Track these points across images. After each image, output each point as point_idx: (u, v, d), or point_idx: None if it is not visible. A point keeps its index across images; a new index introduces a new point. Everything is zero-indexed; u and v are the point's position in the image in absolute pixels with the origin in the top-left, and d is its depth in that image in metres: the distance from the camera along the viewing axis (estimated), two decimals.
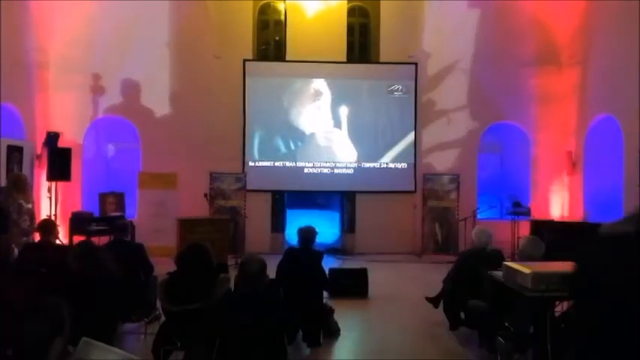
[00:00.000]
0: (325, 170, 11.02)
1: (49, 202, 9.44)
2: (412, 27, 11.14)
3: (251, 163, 10.94)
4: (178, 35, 10.78)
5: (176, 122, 10.84)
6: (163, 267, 5.14)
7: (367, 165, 11.07)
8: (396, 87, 11.16)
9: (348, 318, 5.87)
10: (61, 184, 9.53)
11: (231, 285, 4.14)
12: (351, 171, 11.05)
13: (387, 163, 11.11)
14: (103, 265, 3.96)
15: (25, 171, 8.87)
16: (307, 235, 5.44)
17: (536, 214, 10.33)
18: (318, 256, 5.48)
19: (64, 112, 10.23)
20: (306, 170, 11.00)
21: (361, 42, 11.92)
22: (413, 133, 11.12)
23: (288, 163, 10.99)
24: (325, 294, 5.92)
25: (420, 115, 11.12)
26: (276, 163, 10.98)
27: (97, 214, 9.97)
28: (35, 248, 5.34)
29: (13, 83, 8.75)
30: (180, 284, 4.07)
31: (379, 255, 10.21)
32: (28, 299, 2.08)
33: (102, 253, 4.19)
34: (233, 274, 3.83)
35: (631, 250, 1.71)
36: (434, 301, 5.86)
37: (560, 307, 4.30)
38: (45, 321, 1.99)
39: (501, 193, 11.42)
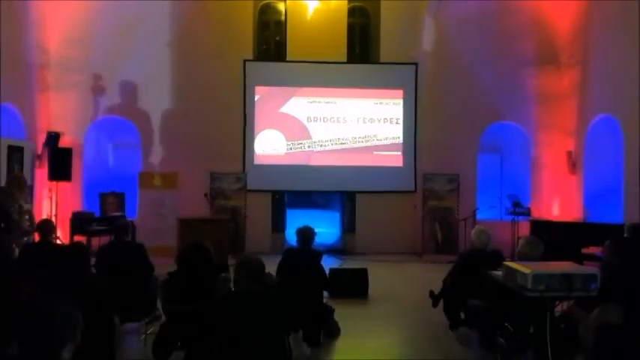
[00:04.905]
0: (326, 170, 11.02)
1: (49, 202, 9.45)
2: (412, 27, 11.14)
3: (251, 163, 10.92)
4: (178, 35, 10.78)
5: (176, 122, 10.85)
6: (163, 267, 5.14)
7: (367, 165, 11.07)
8: (396, 87, 11.17)
9: (348, 318, 5.86)
10: (61, 184, 9.55)
11: (232, 285, 4.15)
12: (351, 171, 11.03)
13: (387, 163, 11.11)
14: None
15: (26, 171, 8.88)
16: (306, 235, 5.45)
17: (536, 214, 10.34)
18: (318, 255, 5.49)
19: (64, 112, 10.25)
20: (306, 170, 11.00)
21: (361, 42, 11.92)
22: (413, 132, 11.12)
23: (288, 163, 10.99)
24: (325, 294, 5.92)
25: (420, 115, 11.12)
26: (277, 163, 10.98)
27: (97, 214, 9.98)
28: (35, 248, 5.35)
29: (14, 83, 8.76)
30: (181, 284, 4.08)
31: (379, 255, 10.20)
32: (39, 301, 2.08)
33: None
34: (233, 274, 3.83)
35: None
36: (434, 300, 5.85)
37: (560, 307, 4.31)
38: (60, 325, 1.99)
39: (501, 193, 11.43)
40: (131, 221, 5.79)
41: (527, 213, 10.00)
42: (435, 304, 5.80)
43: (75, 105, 10.39)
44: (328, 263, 7.03)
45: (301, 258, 5.38)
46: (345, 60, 11.23)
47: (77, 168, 10.08)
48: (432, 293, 5.94)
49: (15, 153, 8.90)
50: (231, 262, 7.93)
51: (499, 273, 4.23)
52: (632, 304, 3.17)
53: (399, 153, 11.16)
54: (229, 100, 10.83)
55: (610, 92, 9.64)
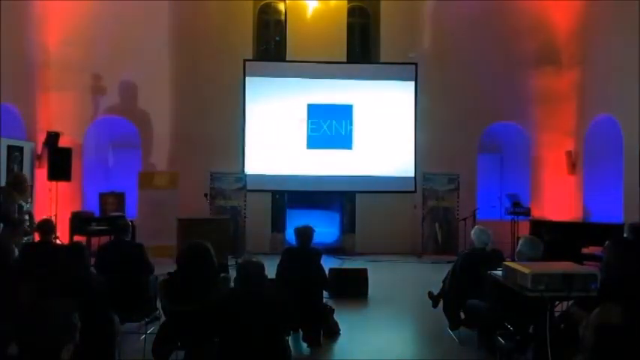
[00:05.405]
0: (325, 170, 11.01)
1: (49, 202, 9.45)
2: (412, 27, 11.14)
3: (251, 163, 10.91)
4: (178, 35, 10.79)
5: (176, 122, 10.85)
6: (163, 267, 5.14)
7: (367, 165, 11.06)
8: (396, 87, 11.16)
9: (348, 318, 5.87)
10: (61, 184, 9.55)
11: (232, 285, 4.14)
12: (351, 171, 11.03)
13: (386, 163, 11.10)
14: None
15: (26, 171, 8.89)
16: (304, 234, 5.44)
17: (536, 214, 10.34)
18: (317, 254, 5.48)
19: (64, 112, 10.25)
20: (306, 170, 10.98)
21: (361, 42, 11.92)
22: (413, 132, 11.12)
23: (287, 163, 10.97)
24: (325, 294, 5.92)
25: (419, 115, 11.12)
26: (276, 163, 10.96)
27: (97, 214, 9.99)
28: (35, 248, 5.34)
29: (13, 83, 8.76)
30: (181, 284, 4.07)
31: (379, 255, 10.21)
32: (38, 302, 2.08)
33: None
34: (233, 274, 3.83)
35: None
36: (434, 300, 5.86)
37: (560, 307, 4.31)
38: (57, 326, 1.99)
39: (501, 193, 11.43)
40: (131, 221, 5.76)
41: (527, 213, 10.00)
42: (435, 305, 5.80)
43: (75, 105, 10.40)
44: (328, 263, 7.03)
45: (301, 257, 5.37)
46: (345, 60, 11.23)
47: (77, 168, 10.08)
48: (430, 294, 5.95)
49: (15, 153, 8.90)
50: (231, 262, 7.97)
51: (499, 273, 4.23)
52: (631, 304, 3.16)
53: (399, 153, 11.15)
54: (229, 100, 10.83)
55: (610, 92, 9.65)
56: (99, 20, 10.26)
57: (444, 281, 5.73)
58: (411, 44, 11.14)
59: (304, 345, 5.09)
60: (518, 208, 10.01)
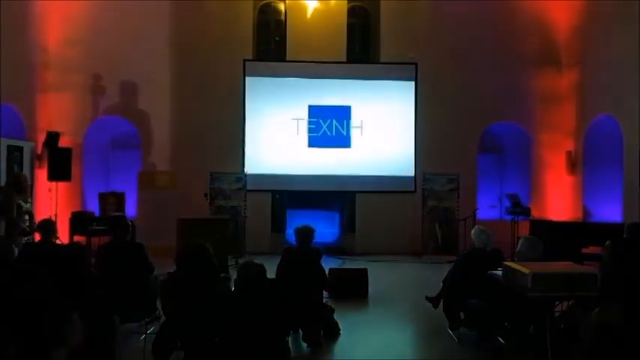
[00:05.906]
0: (325, 170, 11.01)
1: (49, 202, 9.45)
2: (412, 27, 11.14)
3: (251, 162, 10.91)
4: (178, 35, 10.79)
5: (176, 122, 10.85)
6: (163, 267, 5.14)
7: (367, 164, 11.06)
8: (396, 87, 11.16)
9: (348, 318, 5.86)
10: (61, 184, 9.55)
11: (232, 285, 4.15)
12: (351, 171, 11.03)
13: (386, 163, 11.10)
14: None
15: (26, 171, 8.89)
16: (304, 234, 5.44)
17: (536, 214, 10.34)
18: (317, 254, 5.48)
19: (64, 112, 10.26)
20: (306, 169, 10.98)
21: (361, 42, 11.91)
22: (413, 132, 11.12)
23: (287, 163, 10.97)
24: (325, 294, 5.92)
25: (419, 115, 11.12)
26: (276, 163, 10.96)
27: (97, 214, 9.98)
28: (35, 248, 5.34)
29: (14, 83, 8.77)
30: (180, 284, 4.08)
31: (379, 255, 10.21)
32: (37, 302, 2.09)
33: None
34: (233, 274, 3.83)
35: None
36: (434, 301, 5.86)
37: (560, 307, 4.31)
38: (57, 326, 2.00)
39: (501, 193, 11.43)
40: (131, 221, 5.76)
41: (527, 213, 9.99)
42: (435, 305, 5.80)
43: (75, 105, 10.41)
44: (328, 263, 7.02)
45: (301, 257, 5.37)
46: (344, 60, 11.23)
47: (77, 168, 10.09)
48: (427, 298, 5.96)
49: (15, 153, 8.90)
50: (231, 262, 7.96)
51: (499, 273, 4.23)
52: (631, 304, 3.17)
53: (399, 153, 11.15)
54: (229, 100, 10.83)
55: (610, 92, 9.65)
56: (99, 20, 10.27)
57: (444, 281, 5.73)
58: (411, 44, 11.13)
59: (304, 345, 5.09)
60: (518, 208, 10.00)
